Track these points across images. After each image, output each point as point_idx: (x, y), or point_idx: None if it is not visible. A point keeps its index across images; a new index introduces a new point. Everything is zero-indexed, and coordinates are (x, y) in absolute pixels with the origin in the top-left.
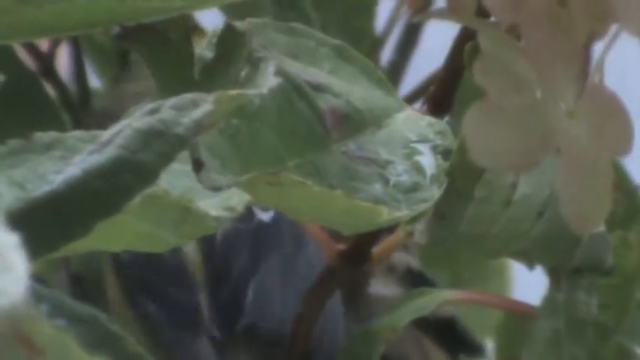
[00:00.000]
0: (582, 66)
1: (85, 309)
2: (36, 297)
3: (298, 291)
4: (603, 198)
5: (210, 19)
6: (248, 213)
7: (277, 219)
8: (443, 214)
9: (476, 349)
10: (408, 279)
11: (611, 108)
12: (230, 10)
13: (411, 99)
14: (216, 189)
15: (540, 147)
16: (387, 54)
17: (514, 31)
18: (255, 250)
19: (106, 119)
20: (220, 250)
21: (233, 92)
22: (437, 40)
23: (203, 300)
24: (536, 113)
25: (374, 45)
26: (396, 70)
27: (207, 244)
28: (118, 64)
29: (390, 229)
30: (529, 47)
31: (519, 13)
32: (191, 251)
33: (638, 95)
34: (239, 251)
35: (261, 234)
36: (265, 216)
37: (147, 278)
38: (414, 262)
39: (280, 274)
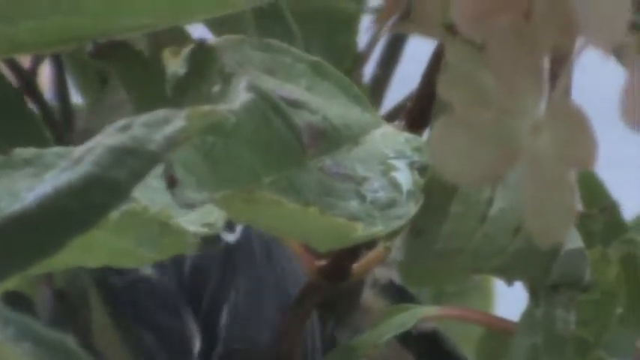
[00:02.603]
0: (548, 79)
1: (52, 333)
2: (2, 320)
3: (272, 310)
4: (567, 213)
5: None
6: (213, 235)
7: (244, 239)
8: (419, 230)
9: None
10: (390, 291)
11: (576, 121)
12: (213, 25)
13: (392, 115)
14: (191, 206)
15: (505, 161)
16: (369, 70)
17: (481, 45)
18: (225, 274)
19: (87, 136)
20: (190, 277)
21: (205, 108)
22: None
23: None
24: (501, 127)
25: (356, 61)
26: (378, 86)
27: (176, 271)
28: (99, 80)
29: (371, 245)
30: (494, 61)
31: (484, 27)
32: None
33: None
34: (209, 276)
35: (228, 256)
36: (231, 237)
37: (136, 303)
38: (395, 275)
39: (251, 295)
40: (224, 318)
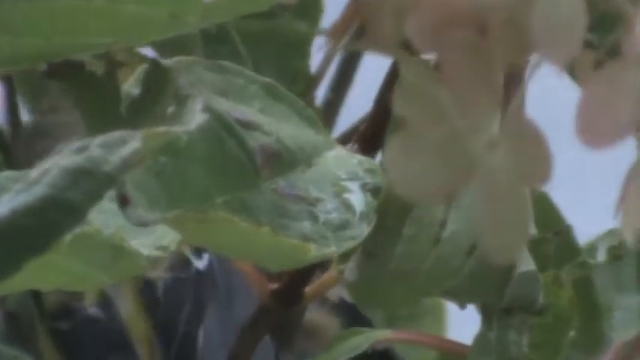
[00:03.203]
0: (503, 96)
1: (7, 350)
2: None
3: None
4: (520, 230)
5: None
6: (185, 262)
7: (213, 265)
8: (372, 251)
9: None
10: (342, 310)
11: (531, 137)
12: (160, 46)
13: (346, 138)
14: (143, 225)
15: (460, 178)
16: (322, 93)
17: (437, 62)
18: (198, 299)
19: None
20: (163, 304)
21: (161, 129)
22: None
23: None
24: (456, 143)
25: (309, 83)
26: (331, 109)
27: (148, 298)
28: (47, 100)
29: (325, 268)
30: (449, 77)
31: (439, 43)
32: (131, 309)
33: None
34: (182, 302)
35: (200, 282)
36: (201, 264)
37: (85, 346)
38: (346, 293)
39: (220, 319)
40: (200, 342)
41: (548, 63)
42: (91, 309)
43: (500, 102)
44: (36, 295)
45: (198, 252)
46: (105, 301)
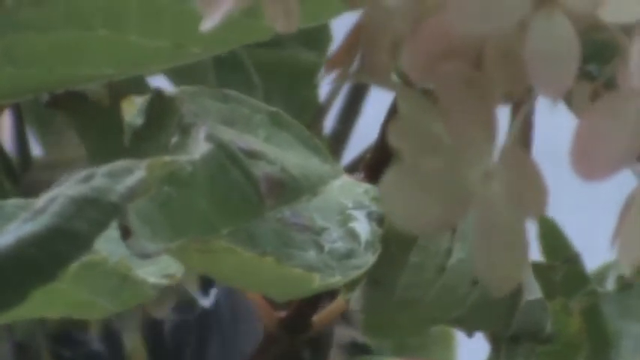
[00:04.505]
0: (497, 127)
1: None
2: None
3: None
4: (517, 261)
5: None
6: (190, 302)
7: (219, 302)
8: (377, 280)
9: None
10: (353, 350)
11: (526, 169)
12: (172, 74)
13: (353, 167)
14: (146, 256)
15: (456, 209)
16: (330, 122)
17: (432, 94)
18: (202, 337)
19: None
20: (169, 344)
21: (165, 159)
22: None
23: None
24: (452, 175)
25: (318, 113)
26: (338, 138)
27: (153, 338)
28: (58, 132)
29: (332, 297)
30: (445, 109)
31: (435, 75)
32: (136, 345)
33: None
34: (187, 342)
35: (204, 321)
36: (207, 302)
37: None
38: (358, 335)
39: (223, 354)
40: None
41: (543, 94)
42: (95, 342)
43: (495, 134)
44: (42, 322)
45: (205, 289)
46: (109, 335)
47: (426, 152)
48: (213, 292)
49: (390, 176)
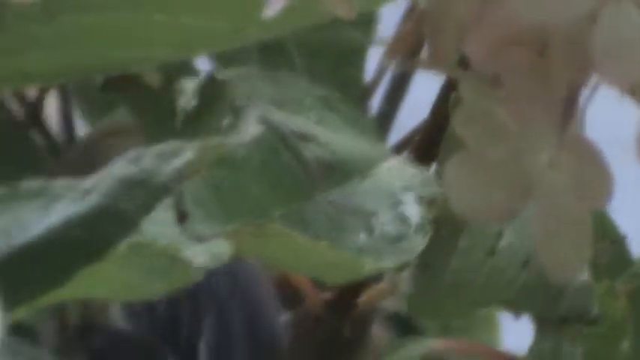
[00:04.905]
0: (563, 116)
1: None
2: (11, 352)
3: (242, 346)
4: (582, 249)
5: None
6: None
7: (211, 278)
8: (427, 263)
9: None
10: (394, 322)
11: (592, 159)
12: (218, 58)
13: (399, 148)
14: (200, 239)
15: (520, 197)
16: (376, 103)
17: (498, 80)
18: (196, 313)
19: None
20: (164, 322)
21: (214, 141)
22: (428, 89)
23: None
24: (516, 164)
25: (363, 94)
26: (385, 119)
27: (149, 317)
28: (104, 112)
29: (377, 277)
30: (509, 97)
31: (499, 63)
32: None
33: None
34: (180, 319)
35: (197, 294)
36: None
37: None
38: (399, 306)
39: (222, 332)
40: (202, 354)
41: (607, 83)
42: (118, 325)
43: (559, 122)
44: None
45: None
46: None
47: (489, 140)
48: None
49: (453, 163)
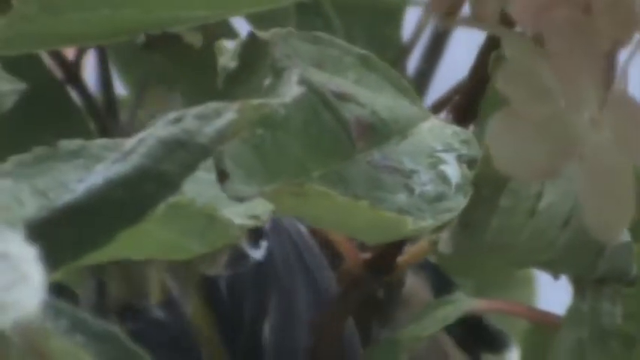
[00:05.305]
0: (606, 74)
1: (106, 326)
2: (55, 312)
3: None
4: (626, 206)
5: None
6: (242, 256)
7: (273, 253)
8: (468, 223)
9: (501, 344)
10: (431, 276)
11: (635, 117)
12: (255, 19)
13: (437, 108)
14: (241, 199)
15: (563, 156)
16: (413, 62)
17: (539, 39)
18: (260, 291)
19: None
20: (227, 299)
21: (256, 102)
22: (465, 49)
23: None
24: (559, 122)
25: (400, 53)
26: (422, 79)
27: (212, 297)
28: (144, 72)
29: (415, 237)
30: (553, 55)
31: (543, 21)
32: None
33: None
34: (244, 296)
35: (260, 274)
36: (258, 254)
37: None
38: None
39: (288, 308)
40: (266, 336)
41: None
42: (155, 310)
43: (603, 80)
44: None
45: (256, 241)
46: (169, 302)
47: (532, 99)
48: (264, 244)
49: (496, 122)
